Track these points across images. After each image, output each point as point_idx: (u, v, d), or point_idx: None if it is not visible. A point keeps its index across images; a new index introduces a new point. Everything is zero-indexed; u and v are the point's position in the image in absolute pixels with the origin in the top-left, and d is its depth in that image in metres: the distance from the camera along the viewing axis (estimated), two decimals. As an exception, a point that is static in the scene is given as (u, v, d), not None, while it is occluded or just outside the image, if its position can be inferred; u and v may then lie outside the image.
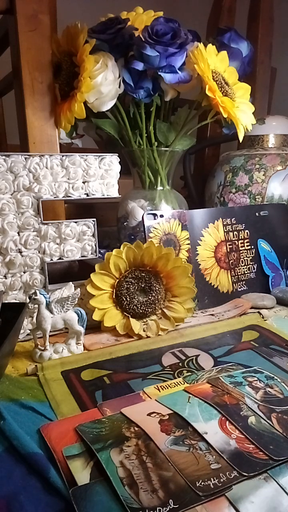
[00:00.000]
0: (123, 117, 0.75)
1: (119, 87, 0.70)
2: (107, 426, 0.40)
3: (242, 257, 0.78)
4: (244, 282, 0.78)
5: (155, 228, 0.68)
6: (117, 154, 0.65)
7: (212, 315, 0.69)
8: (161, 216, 0.69)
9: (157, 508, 0.31)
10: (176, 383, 0.48)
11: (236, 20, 1.04)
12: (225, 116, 0.69)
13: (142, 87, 0.70)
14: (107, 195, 0.64)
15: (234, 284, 0.76)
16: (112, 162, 0.64)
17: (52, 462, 0.36)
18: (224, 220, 0.77)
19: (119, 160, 0.65)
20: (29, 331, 0.61)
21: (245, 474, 0.34)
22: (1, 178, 0.57)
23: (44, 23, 0.66)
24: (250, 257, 0.79)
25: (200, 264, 0.73)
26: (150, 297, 0.62)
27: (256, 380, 0.47)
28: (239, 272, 0.77)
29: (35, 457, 0.36)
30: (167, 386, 0.47)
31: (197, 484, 0.33)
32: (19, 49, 0.65)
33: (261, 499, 0.32)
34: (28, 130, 0.68)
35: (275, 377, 0.48)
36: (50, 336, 0.55)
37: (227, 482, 0.33)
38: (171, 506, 0.31)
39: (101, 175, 0.63)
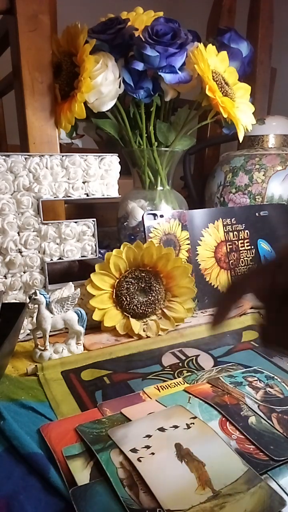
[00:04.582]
0: (123, 117, 0.75)
1: (119, 87, 0.70)
2: (107, 427, 0.40)
3: (242, 257, 0.78)
4: (244, 282, 0.77)
5: (155, 228, 0.68)
6: (117, 154, 0.65)
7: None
8: (161, 216, 0.69)
9: (157, 510, 0.31)
10: (176, 383, 0.47)
11: (236, 20, 1.04)
12: (225, 116, 0.69)
13: (142, 87, 0.70)
14: (107, 195, 0.64)
15: (234, 284, 0.76)
16: (112, 162, 0.64)
17: (52, 462, 0.36)
18: (224, 220, 0.77)
19: (119, 160, 0.65)
20: (29, 331, 0.61)
21: (245, 474, 0.34)
22: (1, 178, 0.57)
23: (44, 23, 0.66)
24: (250, 257, 0.79)
25: (200, 264, 0.73)
26: (150, 297, 0.62)
27: (256, 380, 0.47)
28: (239, 272, 0.77)
29: (35, 457, 0.36)
30: (167, 386, 0.47)
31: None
32: (19, 49, 0.65)
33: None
34: (28, 130, 0.68)
35: (275, 377, 0.48)
36: (50, 336, 0.55)
37: (227, 482, 0.33)
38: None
39: (101, 175, 0.63)
